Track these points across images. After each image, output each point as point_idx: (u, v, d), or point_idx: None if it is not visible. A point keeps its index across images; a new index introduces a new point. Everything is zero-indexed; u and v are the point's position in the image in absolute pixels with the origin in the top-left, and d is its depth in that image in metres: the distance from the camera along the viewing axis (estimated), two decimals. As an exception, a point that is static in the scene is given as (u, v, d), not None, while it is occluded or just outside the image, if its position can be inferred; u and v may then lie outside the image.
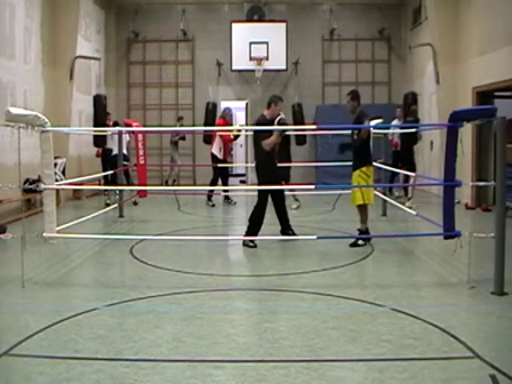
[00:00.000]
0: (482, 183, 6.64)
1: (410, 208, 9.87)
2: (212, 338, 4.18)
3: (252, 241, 7.40)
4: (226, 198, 12.20)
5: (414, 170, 11.08)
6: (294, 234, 7.77)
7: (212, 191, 11.78)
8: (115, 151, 11.13)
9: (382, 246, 7.35)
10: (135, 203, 11.65)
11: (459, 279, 5.73)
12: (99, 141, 11.81)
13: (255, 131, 7.83)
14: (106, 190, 11.90)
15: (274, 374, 3.55)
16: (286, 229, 7.83)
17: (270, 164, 7.66)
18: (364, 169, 7.32)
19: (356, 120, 7.40)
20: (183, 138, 15.30)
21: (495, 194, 5.59)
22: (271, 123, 7.55)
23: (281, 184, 8.11)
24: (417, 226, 9.00)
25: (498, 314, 4.74)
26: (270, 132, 7.37)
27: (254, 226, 7.38)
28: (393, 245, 7.46)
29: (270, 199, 7.69)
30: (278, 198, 7.78)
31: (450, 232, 5.86)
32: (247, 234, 7.40)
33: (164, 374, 3.56)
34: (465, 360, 3.72)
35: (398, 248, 7.36)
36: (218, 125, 11.81)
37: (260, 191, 7.57)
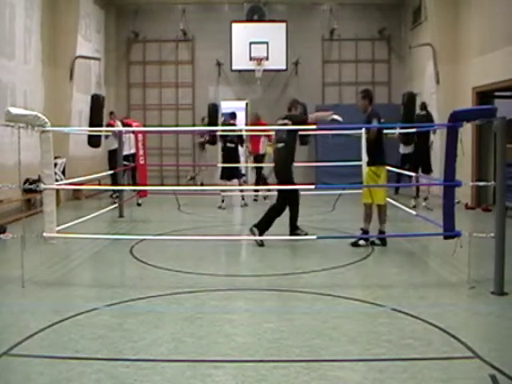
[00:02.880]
0: (482, 183, 6.63)
1: (428, 208, 9.96)
2: (212, 338, 4.18)
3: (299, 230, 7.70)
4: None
5: (429, 171, 11.23)
6: (304, 234, 7.73)
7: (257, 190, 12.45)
8: (125, 151, 11.21)
9: (382, 246, 7.35)
10: (138, 204, 11.70)
11: (459, 279, 5.74)
12: (94, 141, 11.77)
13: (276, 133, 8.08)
14: (109, 190, 11.94)
15: (274, 374, 3.55)
16: (294, 229, 7.81)
17: (288, 165, 7.76)
18: (374, 168, 7.31)
19: (366, 120, 7.41)
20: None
21: (495, 193, 5.59)
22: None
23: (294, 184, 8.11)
24: (417, 226, 8.99)
25: (498, 314, 4.74)
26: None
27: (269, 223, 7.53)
28: (393, 245, 7.46)
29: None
30: (293, 197, 7.77)
31: (450, 232, 5.86)
32: (258, 227, 7.47)
33: (164, 374, 3.56)
34: (465, 360, 3.73)
35: (398, 248, 7.36)
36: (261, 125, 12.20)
37: (283, 192, 7.65)
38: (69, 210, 10.78)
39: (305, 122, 7.69)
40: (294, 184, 7.70)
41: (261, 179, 12.64)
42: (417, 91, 13.35)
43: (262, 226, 7.47)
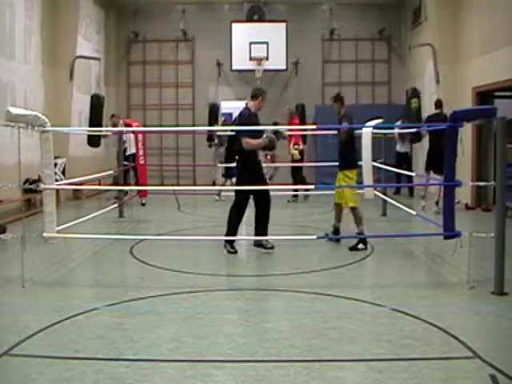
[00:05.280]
0: (482, 183, 6.64)
1: (438, 213, 9.72)
2: (212, 338, 4.18)
3: (232, 246, 7.12)
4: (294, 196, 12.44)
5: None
6: (268, 248, 7.10)
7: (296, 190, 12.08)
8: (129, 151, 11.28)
9: (381, 246, 7.35)
10: (143, 204, 11.72)
11: (459, 279, 5.74)
12: (94, 140, 11.75)
13: (238, 124, 7.15)
14: (109, 190, 11.95)
15: (274, 374, 3.55)
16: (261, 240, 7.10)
17: (254, 163, 7.12)
18: (346, 172, 7.30)
19: (339, 121, 7.46)
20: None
21: (495, 193, 5.59)
22: (255, 117, 7.11)
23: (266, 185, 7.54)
24: (417, 226, 9.00)
25: (498, 313, 4.75)
26: (255, 131, 6.91)
27: (233, 226, 7.11)
28: (393, 245, 7.46)
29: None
30: (262, 200, 7.10)
31: (450, 232, 5.86)
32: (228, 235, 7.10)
33: (164, 374, 3.56)
34: (465, 360, 3.72)
35: (397, 248, 7.36)
36: (294, 124, 12.07)
37: (238, 192, 7.11)
38: (69, 210, 10.78)
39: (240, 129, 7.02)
40: (254, 185, 6.91)
41: (298, 179, 12.30)
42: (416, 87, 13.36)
43: (231, 229, 7.09)
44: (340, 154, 7.40)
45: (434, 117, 10.82)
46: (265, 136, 6.99)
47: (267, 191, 7.14)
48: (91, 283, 6.10)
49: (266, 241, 7.11)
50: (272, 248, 7.09)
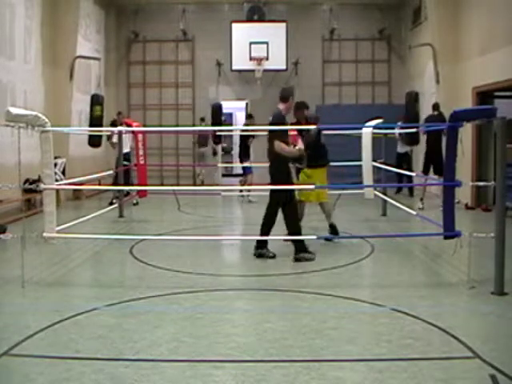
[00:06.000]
0: (482, 183, 6.64)
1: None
2: (212, 337, 4.18)
3: (268, 250, 6.86)
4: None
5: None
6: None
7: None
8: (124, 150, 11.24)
9: (381, 246, 7.35)
10: (135, 203, 11.67)
11: (459, 279, 5.74)
12: (95, 140, 11.72)
13: (271, 125, 6.77)
14: (109, 190, 11.92)
15: (274, 374, 3.55)
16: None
17: (285, 166, 6.84)
18: (307, 170, 7.66)
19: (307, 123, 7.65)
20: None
21: (495, 193, 5.59)
22: (286, 121, 6.85)
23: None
24: (417, 226, 9.00)
25: (498, 313, 4.74)
26: (286, 133, 6.74)
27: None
28: (393, 245, 7.46)
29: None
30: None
31: (450, 232, 5.86)
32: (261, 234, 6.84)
33: (164, 374, 3.56)
34: (465, 360, 3.73)
35: (398, 248, 7.36)
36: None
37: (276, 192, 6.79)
38: (69, 210, 10.78)
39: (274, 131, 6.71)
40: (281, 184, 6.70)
41: None
42: (417, 91, 13.36)
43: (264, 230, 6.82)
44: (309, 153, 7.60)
45: (431, 118, 10.94)
46: (298, 148, 6.92)
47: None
48: (91, 283, 6.10)
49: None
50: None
